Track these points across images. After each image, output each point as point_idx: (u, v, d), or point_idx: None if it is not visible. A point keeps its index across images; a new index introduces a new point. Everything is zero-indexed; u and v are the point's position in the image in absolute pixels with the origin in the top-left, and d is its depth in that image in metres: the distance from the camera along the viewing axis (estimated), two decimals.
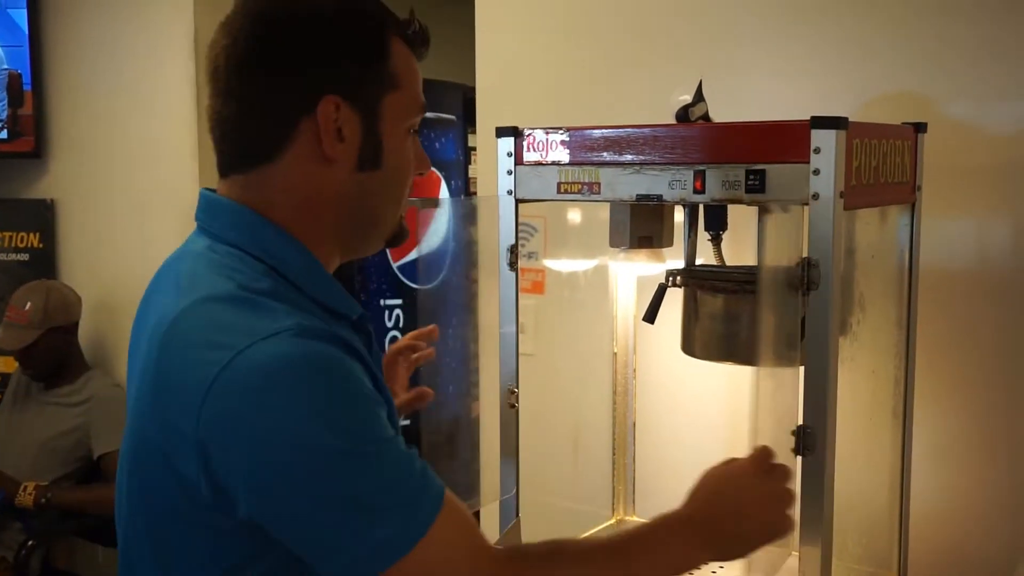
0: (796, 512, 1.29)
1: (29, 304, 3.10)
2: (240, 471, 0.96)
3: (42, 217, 3.69)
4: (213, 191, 1.14)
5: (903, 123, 1.63)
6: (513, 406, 1.68)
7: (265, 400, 0.95)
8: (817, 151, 1.34)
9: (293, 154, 1.08)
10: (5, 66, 3.49)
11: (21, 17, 3.57)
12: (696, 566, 1.19)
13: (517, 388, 1.67)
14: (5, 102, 3.53)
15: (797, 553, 1.38)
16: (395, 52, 1.12)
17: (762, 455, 1.24)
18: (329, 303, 1.09)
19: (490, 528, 2.01)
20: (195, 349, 0.99)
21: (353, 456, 0.97)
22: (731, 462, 1.26)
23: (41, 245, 3.71)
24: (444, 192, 4.06)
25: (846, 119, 1.34)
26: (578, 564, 1.11)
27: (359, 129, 1.09)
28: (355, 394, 0.99)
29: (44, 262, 3.67)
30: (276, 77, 1.07)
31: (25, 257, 3.72)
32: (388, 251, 3.84)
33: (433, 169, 3.96)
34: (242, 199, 1.11)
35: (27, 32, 3.57)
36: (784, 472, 1.24)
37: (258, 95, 1.08)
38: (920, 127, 1.64)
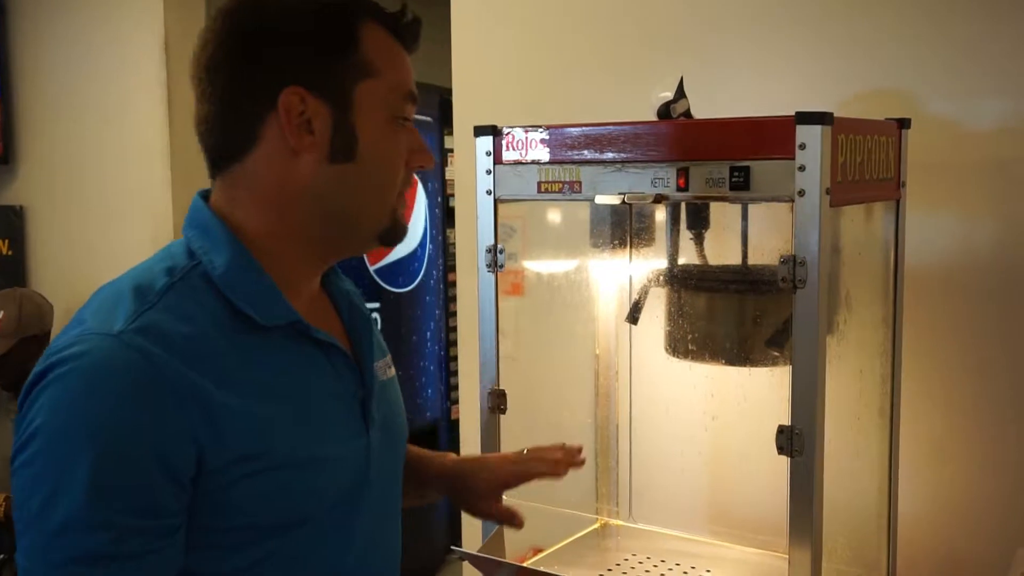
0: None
1: (2, 313, 3.04)
2: None
3: (11, 224, 3.63)
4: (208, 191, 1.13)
5: (887, 119, 1.61)
6: (500, 409, 1.65)
7: (39, 388, 0.96)
8: (802, 147, 1.32)
9: (263, 150, 1.07)
10: None
11: None
12: None
13: (504, 393, 1.65)
14: None
15: (787, 556, 1.35)
16: (369, 39, 1.08)
17: None
18: (244, 308, 1.04)
19: (473, 535, 1.98)
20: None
21: (49, 477, 0.93)
22: None
23: (10, 252, 3.64)
24: (421, 195, 4.03)
25: (831, 114, 1.32)
26: None
27: (329, 120, 1.06)
28: (108, 427, 0.93)
29: (14, 269, 3.61)
30: (240, 72, 1.06)
31: None
32: (364, 255, 3.80)
33: None
34: (215, 199, 1.10)
35: None
36: None
37: (226, 93, 1.07)
38: (904, 123, 1.62)
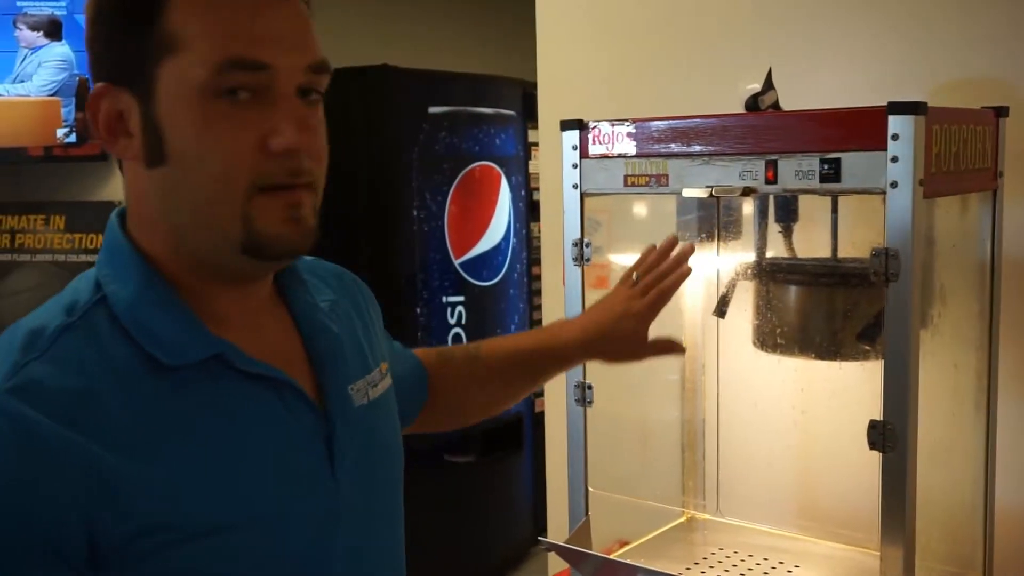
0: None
1: None
2: None
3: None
4: None
5: (983, 107, 1.57)
6: (587, 402, 1.65)
7: None
8: (895, 138, 1.29)
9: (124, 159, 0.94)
10: (76, 71, 3.54)
11: None
12: None
13: (591, 386, 1.65)
14: (73, 106, 3.59)
15: (878, 552, 1.34)
16: (177, 4, 0.87)
17: None
18: (150, 349, 0.88)
19: (559, 526, 1.99)
20: None
21: None
22: None
23: None
24: (504, 188, 4.05)
25: (925, 104, 1.30)
26: None
27: (138, 116, 0.89)
28: None
29: None
30: (90, 67, 0.94)
31: (94, 259, 3.78)
32: (450, 247, 3.83)
33: (492, 165, 3.98)
34: (125, 214, 0.98)
35: None
36: None
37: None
38: (1001, 111, 1.58)
